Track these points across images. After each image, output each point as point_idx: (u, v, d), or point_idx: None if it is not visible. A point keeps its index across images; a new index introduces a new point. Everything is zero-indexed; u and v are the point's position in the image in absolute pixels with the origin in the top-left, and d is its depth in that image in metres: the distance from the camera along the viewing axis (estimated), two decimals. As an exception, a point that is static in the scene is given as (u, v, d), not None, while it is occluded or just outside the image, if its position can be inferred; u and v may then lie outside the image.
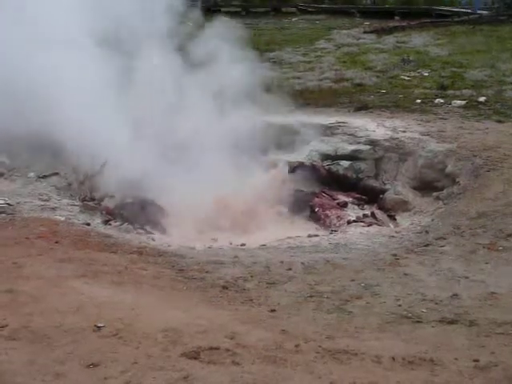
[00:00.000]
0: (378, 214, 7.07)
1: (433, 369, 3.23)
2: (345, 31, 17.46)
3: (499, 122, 8.49)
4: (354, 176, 8.04)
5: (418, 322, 3.92)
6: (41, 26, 7.14)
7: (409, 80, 11.26)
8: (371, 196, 7.73)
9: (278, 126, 8.48)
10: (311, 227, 7.00)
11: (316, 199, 7.47)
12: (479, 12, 18.79)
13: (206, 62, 8.14)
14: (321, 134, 8.46)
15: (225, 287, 4.50)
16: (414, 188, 7.52)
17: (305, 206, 7.42)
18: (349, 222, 6.84)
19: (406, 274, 4.79)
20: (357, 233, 6.25)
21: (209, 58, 8.17)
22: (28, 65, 6.86)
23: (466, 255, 5.12)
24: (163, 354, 3.27)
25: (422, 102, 9.59)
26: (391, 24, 18.24)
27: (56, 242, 5.09)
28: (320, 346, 3.45)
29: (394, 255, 5.26)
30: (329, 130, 8.51)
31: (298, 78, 11.69)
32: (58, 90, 6.81)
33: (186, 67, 8.00)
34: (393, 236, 5.97)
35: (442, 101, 9.60)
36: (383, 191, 7.72)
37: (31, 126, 6.68)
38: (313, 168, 8.04)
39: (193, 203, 6.78)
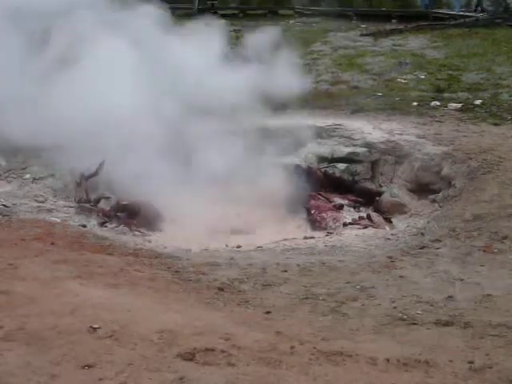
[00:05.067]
0: (374, 216, 7.08)
1: (427, 371, 3.23)
2: (341, 34, 17.45)
3: (495, 124, 8.52)
4: (351, 178, 8.06)
5: (413, 323, 3.93)
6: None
7: (405, 83, 11.27)
8: (367, 198, 7.75)
9: (275, 128, 8.48)
10: (307, 229, 7.00)
11: (312, 201, 7.47)
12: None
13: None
14: (317, 136, 8.48)
15: (220, 289, 4.50)
16: (410, 190, 7.53)
17: (301, 208, 7.42)
18: (345, 225, 6.86)
19: (401, 277, 4.80)
20: (352, 235, 6.27)
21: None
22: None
23: (461, 257, 5.14)
24: (159, 355, 3.27)
25: (418, 105, 9.61)
26: (388, 27, 18.24)
27: (52, 244, 5.09)
28: (315, 348, 3.45)
29: (390, 257, 5.27)
30: (325, 133, 8.52)
31: (295, 80, 11.68)
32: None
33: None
34: (388, 238, 5.98)
35: (438, 103, 9.62)
36: (379, 194, 7.73)
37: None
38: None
39: (189, 205, 6.77)
